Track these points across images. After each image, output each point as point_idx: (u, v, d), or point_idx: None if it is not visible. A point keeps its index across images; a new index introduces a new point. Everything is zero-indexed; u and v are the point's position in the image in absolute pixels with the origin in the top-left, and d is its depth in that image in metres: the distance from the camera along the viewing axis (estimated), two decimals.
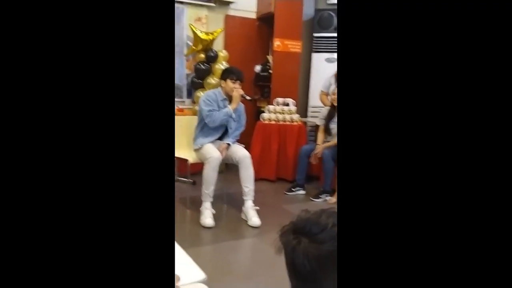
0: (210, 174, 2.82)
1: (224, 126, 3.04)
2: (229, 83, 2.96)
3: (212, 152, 2.86)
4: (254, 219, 2.82)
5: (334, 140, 3.49)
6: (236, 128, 3.10)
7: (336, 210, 0.67)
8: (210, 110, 2.93)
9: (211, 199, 2.87)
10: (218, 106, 2.99)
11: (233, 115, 2.96)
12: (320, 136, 3.59)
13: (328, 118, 3.52)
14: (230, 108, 2.94)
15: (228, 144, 2.99)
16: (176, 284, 0.62)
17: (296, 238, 0.64)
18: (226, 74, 3.02)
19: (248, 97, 3.05)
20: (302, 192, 3.65)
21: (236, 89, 2.94)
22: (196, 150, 3.05)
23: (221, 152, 2.90)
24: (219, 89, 3.08)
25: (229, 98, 3.00)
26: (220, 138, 3.06)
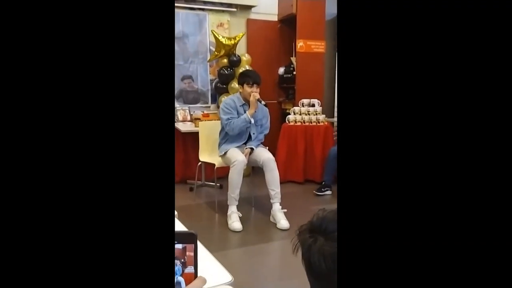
0: (235, 178, 2.82)
1: (246, 132, 3.02)
2: (246, 88, 2.93)
3: (237, 156, 2.86)
4: (282, 222, 2.79)
5: None
6: (260, 131, 3.08)
7: None
8: (228, 119, 2.92)
9: (237, 203, 2.88)
10: (238, 113, 2.97)
11: (252, 121, 2.92)
12: None
13: None
14: (247, 115, 2.90)
15: (252, 149, 2.97)
16: (203, 286, 0.61)
17: (312, 237, 0.63)
18: (242, 79, 2.99)
19: (263, 102, 2.98)
20: (329, 192, 3.60)
21: (253, 94, 2.89)
22: (221, 156, 3.06)
23: (246, 154, 2.90)
24: (238, 94, 3.06)
25: (248, 103, 2.96)
26: (245, 143, 3.04)
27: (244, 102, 3.00)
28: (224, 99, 3.18)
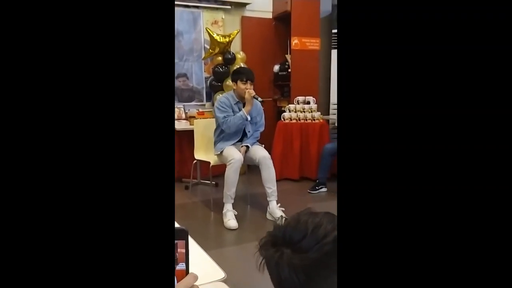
0: (232, 176, 2.81)
1: (242, 129, 3.00)
2: (240, 85, 2.91)
3: (234, 154, 2.85)
4: None
5: None
6: (255, 128, 3.07)
7: (312, 210, 0.61)
8: (225, 117, 2.90)
9: (232, 201, 2.87)
10: (233, 111, 2.95)
11: (249, 118, 2.91)
12: None
13: None
14: (244, 112, 2.89)
15: (247, 147, 2.96)
16: (194, 283, 0.60)
17: (278, 251, 0.58)
18: (235, 76, 2.98)
19: (259, 99, 2.96)
20: (324, 189, 3.60)
21: (248, 91, 2.87)
22: (218, 155, 3.05)
23: (242, 153, 2.88)
24: (231, 92, 3.04)
25: (243, 100, 2.95)
26: (240, 141, 3.03)
27: (238, 100, 2.98)
28: (219, 98, 3.16)
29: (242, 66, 3.88)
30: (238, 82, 2.92)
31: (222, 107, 2.94)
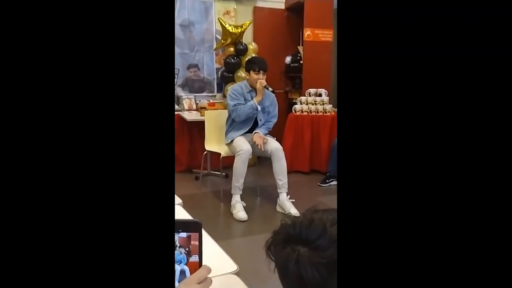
0: (240, 167, 2.83)
1: (253, 119, 3.01)
2: (253, 75, 2.92)
3: (243, 145, 2.86)
4: (292, 210, 2.81)
5: None
6: (268, 119, 3.07)
7: (319, 208, 0.61)
8: (235, 105, 2.92)
9: (241, 192, 2.89)
10: (245, 99, 2.97)
11: (259, 108, 2.92)
12: None
13: None
14: (254, 101, 2.90)
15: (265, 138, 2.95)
16: (207, 275, 0.61)
17: (294, 250, 0.57)
18: (249, 66, 2.99)
19: (270, 89, 2.97)
20: (334, 183, 3.60)
21: (259, 81, 2.88)
22: (228, 144, 3.07)
23: (260, 145, 2.87)
24: (245, 81, 3.06)
25: (256, 89, 2.96)
26: (251, 130, 3.04)
27: (251, 88, 2.99)
28: (232, 86, 3.18)
29: (256, 56, 3.87)
30: (251, 72, 2.93)
31: (235, 94, 2.96)
